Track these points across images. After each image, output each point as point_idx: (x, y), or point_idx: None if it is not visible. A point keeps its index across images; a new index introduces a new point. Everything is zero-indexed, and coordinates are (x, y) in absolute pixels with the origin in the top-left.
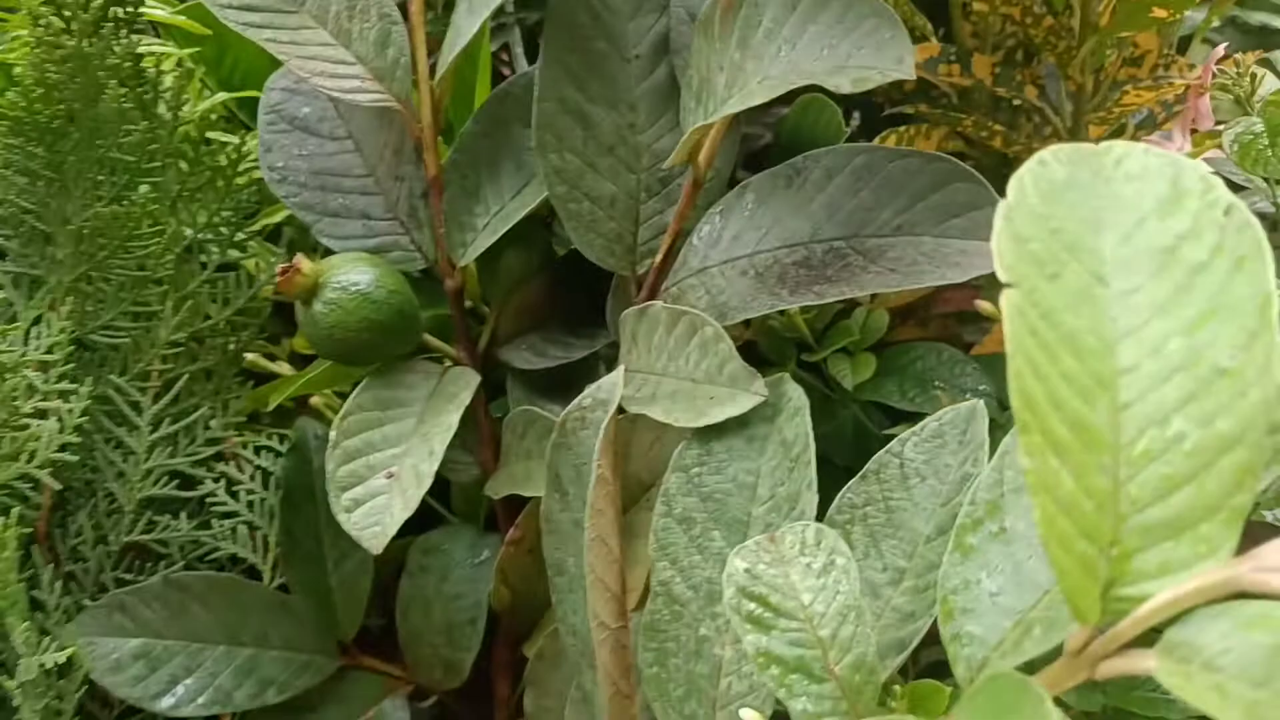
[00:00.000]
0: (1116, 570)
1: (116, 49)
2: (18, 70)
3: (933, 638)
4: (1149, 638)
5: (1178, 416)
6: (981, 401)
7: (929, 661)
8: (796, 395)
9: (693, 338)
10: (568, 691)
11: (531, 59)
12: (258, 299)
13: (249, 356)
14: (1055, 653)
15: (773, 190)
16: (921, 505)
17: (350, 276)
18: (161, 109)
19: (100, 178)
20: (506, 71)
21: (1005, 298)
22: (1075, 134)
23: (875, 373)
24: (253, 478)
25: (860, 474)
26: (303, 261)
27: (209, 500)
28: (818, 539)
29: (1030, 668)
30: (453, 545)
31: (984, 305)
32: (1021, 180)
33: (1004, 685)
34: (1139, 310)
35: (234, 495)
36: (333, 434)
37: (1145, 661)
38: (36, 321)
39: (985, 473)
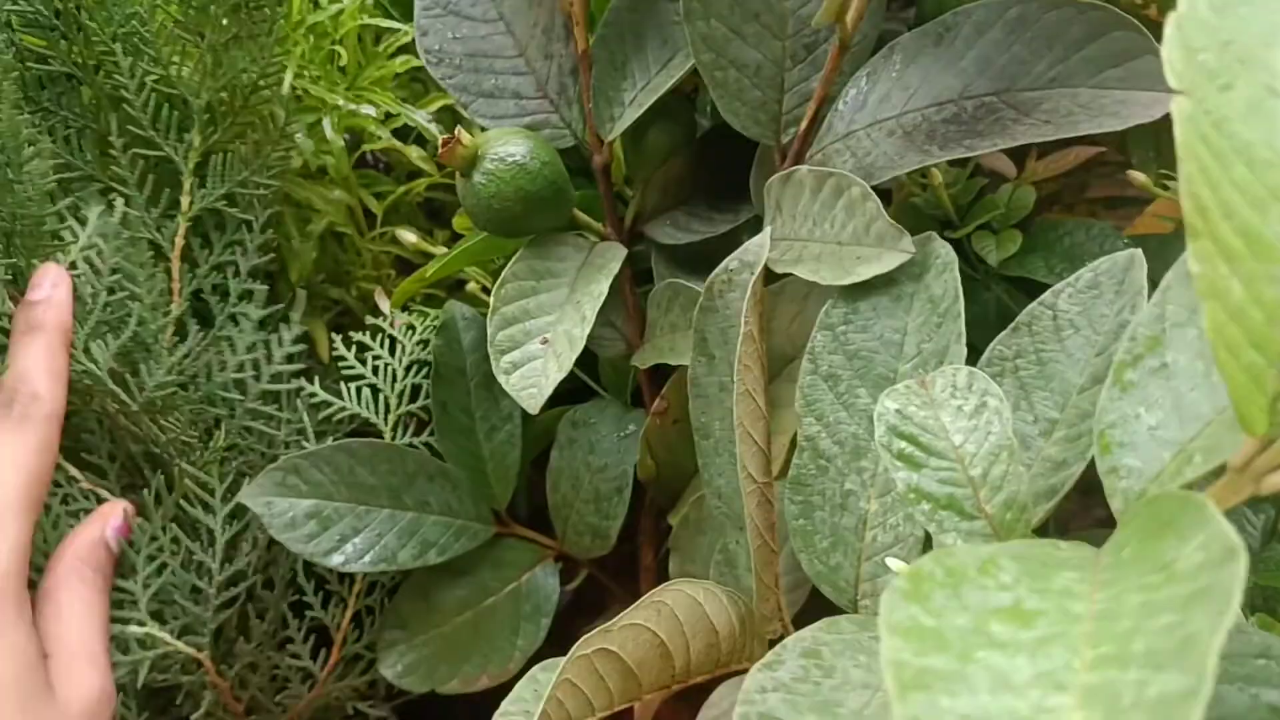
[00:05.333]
0: None
1: None
2: None
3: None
4: None
5: None
6: (1140, 250)
7: None
8: (945, 252)
9: (839, 199)
10: (710, 556)
11: None
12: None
13: (411, 239)
14: (1214, 478)
15: (921, 49)
16: (1075, 356)
17: (507, 149)
18: None
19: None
20: None
21: (1176, 104)
22: None
23: (1021, 249)
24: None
25: (1011, 326)
26: (463, 134)
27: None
28: (969, 382)
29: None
30: (600, 419)
31: (1136, 176)
32: None
33: (1164, 502)
34: None
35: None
36: (492, 301)
37: None
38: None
39: (1146, 309)
